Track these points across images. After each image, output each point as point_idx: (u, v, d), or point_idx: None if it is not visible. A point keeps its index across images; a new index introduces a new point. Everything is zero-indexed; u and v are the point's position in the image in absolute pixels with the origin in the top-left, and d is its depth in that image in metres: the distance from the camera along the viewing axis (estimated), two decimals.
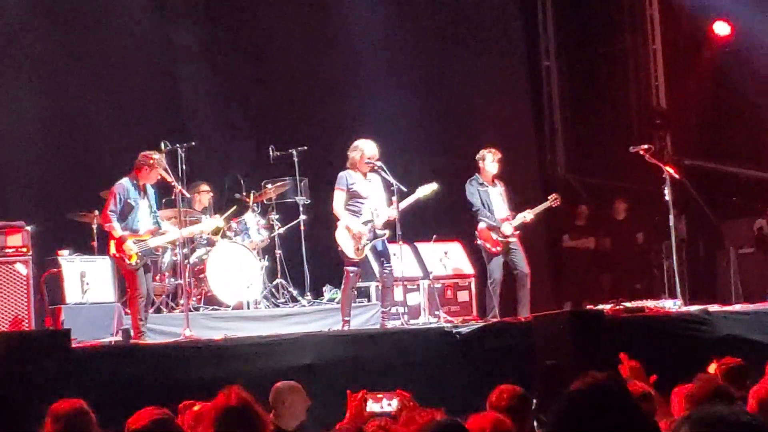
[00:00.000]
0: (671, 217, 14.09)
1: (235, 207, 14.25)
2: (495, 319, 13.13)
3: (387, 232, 12.83)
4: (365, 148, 12.82)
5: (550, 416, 2.94)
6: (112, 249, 12.44)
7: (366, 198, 12.84)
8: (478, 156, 14.11)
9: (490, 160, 14.03)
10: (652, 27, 18.35)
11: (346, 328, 12.69)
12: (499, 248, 13.88)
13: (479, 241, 14.04)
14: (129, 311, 12.44)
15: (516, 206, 14.30)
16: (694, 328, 12.26)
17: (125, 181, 12.46)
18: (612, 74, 18.68)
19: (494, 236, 13.89)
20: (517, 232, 14.01)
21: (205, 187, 14.55)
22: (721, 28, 17.66)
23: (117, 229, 12.35)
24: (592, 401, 2.88)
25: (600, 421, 2.83)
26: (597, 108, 18.58)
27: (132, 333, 12.21)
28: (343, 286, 13.06)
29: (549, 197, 14.53)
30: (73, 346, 10.30)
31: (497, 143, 14.34)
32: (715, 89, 17.75)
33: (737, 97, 17.52)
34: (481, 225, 13.96)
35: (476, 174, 14.09)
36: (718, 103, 17.82)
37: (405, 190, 12.79)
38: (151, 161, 12.43)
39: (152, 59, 15.93)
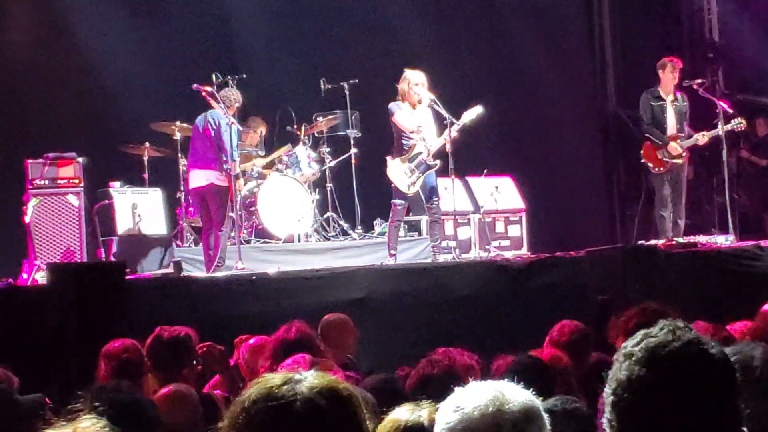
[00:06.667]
0: (723, 152, 13.93)
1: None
2: (546, 255, 13.05)
3: (438, 162, 12.77)
4: (412, 77, 12.77)
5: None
6: (216, 181, 12.63)
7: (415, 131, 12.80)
8: (659, 64, 13.78)
9: (669, 70, 13.69)
10: None
11: (392, 261, 12.70)
12: (662, 168, 13.60)
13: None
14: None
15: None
16: (747, 263, 12.18)
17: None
18: (664, 8, 18.42)
19: (659, 155, 13.58)
20: (685, 154, 13.74)
21: (257, 121, 14.52)
22: None
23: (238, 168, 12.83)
24: None
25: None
26: (649, 42, 18.32)
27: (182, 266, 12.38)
28: (390, 220, 13.08)
29: (734, 120, 13.84)
30: (127, 278, 10.38)
31: (547, 76, 14.16)
32: None
33: None
34: (647, 143, 13.65)
35: (656, 86, 13.74)
36: None
37: (458, 123, 12.73)
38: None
39: None
